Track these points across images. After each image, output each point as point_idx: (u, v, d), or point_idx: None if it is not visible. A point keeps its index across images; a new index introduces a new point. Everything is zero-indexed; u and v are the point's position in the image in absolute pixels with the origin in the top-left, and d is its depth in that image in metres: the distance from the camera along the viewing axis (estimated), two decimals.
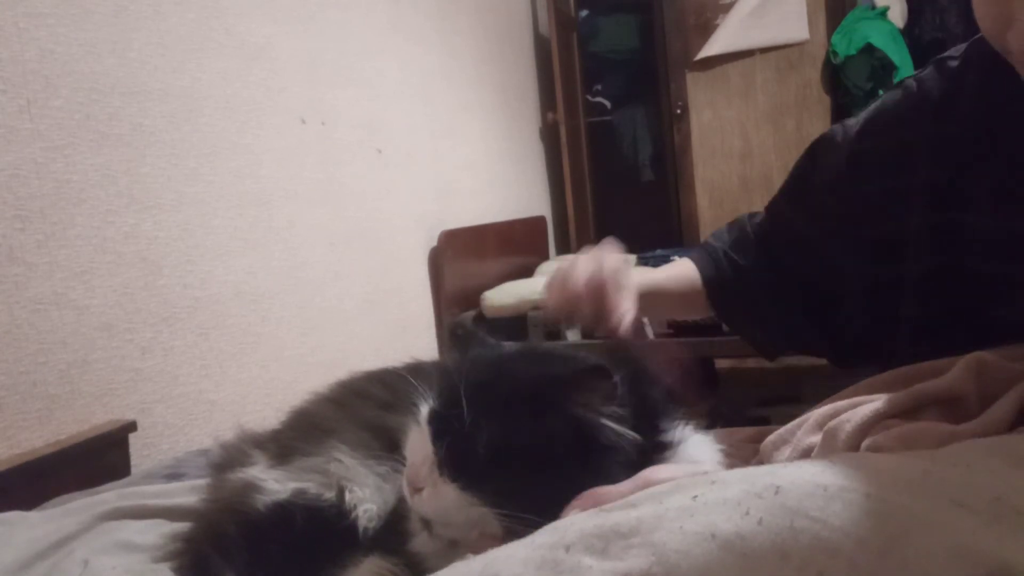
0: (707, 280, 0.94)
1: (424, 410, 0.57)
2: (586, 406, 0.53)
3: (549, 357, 0.62)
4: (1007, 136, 0.68)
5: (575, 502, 0.50)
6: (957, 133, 0.71)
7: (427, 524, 0.56)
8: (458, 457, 0.53)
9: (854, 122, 0.84)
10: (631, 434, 0.53)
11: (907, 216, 0.74)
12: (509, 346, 0.67)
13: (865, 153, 0.80)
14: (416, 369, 0.75)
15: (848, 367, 0.81)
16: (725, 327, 1.03)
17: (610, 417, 0.53)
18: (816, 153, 0.88)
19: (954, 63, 0.75)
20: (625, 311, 0.75)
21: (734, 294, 0.94)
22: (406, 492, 0.57)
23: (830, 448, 0.60)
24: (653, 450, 0.56)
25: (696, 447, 0.59)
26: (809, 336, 0.90)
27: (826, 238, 0.84)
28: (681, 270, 0.96)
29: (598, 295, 0.76)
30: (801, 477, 0.38)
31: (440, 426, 0.55)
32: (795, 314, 0.89)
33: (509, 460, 0.52)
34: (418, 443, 0.56)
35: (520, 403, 0.53)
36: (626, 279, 0.79)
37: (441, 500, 0.54)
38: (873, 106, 0.83)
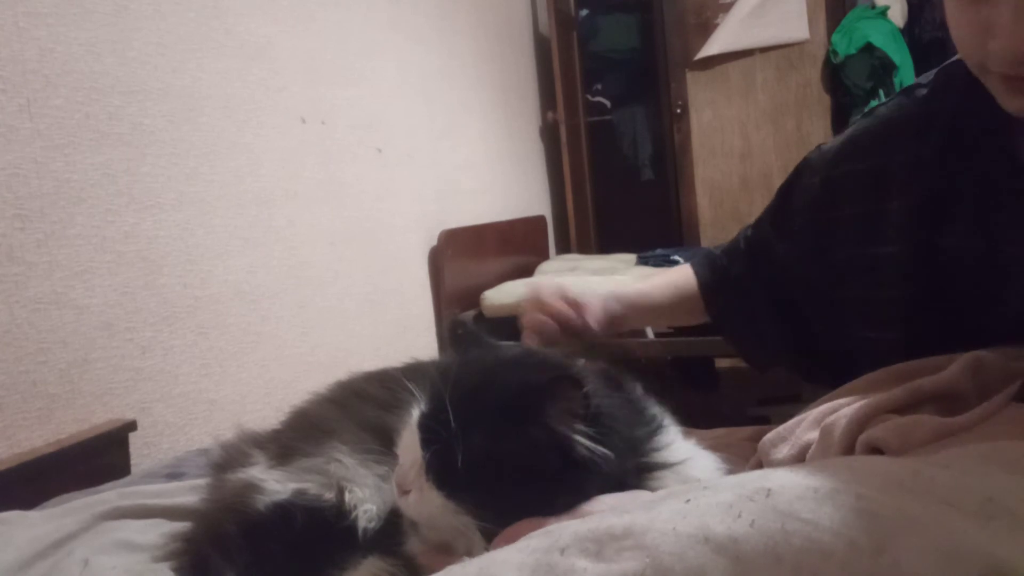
0: (702, 283, 0.96)
1: (415, 414, 0.57)
2: (558, 419, 0.52)
3: (532, 364, 0.61)
4: (979, 160, 0.69)
5: (503, 533, 0.50)
6: (930, 158, 0.72)
7: (414, 525, 0.57)
8: (444, 465, 0.53)
9: (830, 147, 0.85)
10: (602, 450, 0.52)
11: (883, 241, 0.75)
12: (506, 347, 0.66)
13: (839, 179, 0.81)
14: (415, 369, 0.75)
15: (824, 383, 0.82)
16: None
17: (581, 432, 0.52)
18: (798, 175, 0.90)
19: (923, 91, 0.76)
20: (588, 310, 0.85)
21: (724, 299, 0.95)
22: (395, 493, 0.58)
23: (827, 443, 0.60)
24: (646, 470, 0.55)
25: (699, 466, 0.59)
26: (788, 350, 0.91)
27: (802, 260, 0.85)
28: (672, 277, 0.99)
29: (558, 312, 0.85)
30: (792, 480, 0.39)
31: (428, 433, 0.55)
32: (776, 328, 0.91)
33: (491, 472, 0.52)
34: (409, 446, 0.57)
35: (500, 415, 0.53)
36: (574, 289, 0.88)
37: (426, 505, 0.54)
38: (847, 132, 0.84)
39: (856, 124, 0.83)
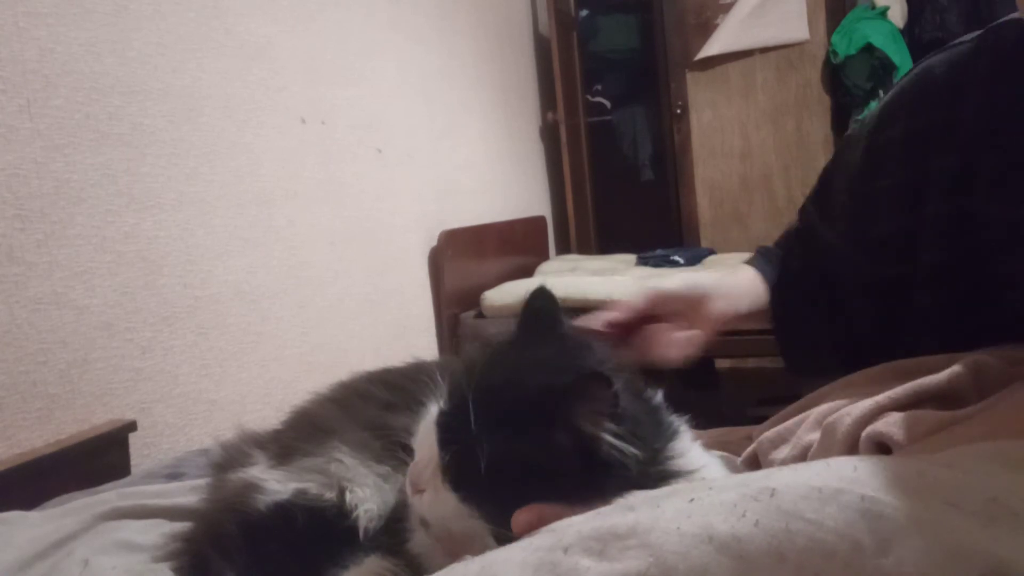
0: (769, 280, 0.91)
1: (434, 410, 0.56)
2: (587, 419, 0.51)
3: (560, 363, 0.58)
4: (1017, 124, 0.66)
5: (524, 509, 0.49)
6: (968, 119, 0.70)
7: (425, 523, 0.56)
8: (461, 468, 0.52)
9: (870, 115, 0.83)
10: (631, 449, 0.51)
11: (922, 207, 0.72)
12: (569, 331, 0.63)
13: (881, 147, 0.79)
14: (419, 368, 0.75)
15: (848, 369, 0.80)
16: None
17: (610, 432, 0.51)
18: (839, 154, 0.88)
19: (968, 47, 0.73)
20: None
21: (783, 295, 0.90)
22: (408, 489, 0.56)
23: (830, 441, 0.60)
24: (663, 477, 0.54)
25: (712, 474, 0.58)
26: (829, 344, 0.87)
27: (842, 240, 0.83)
28: (746, 274, 0.91)
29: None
30: (796, 480, 0.39)
31: (447, 433, 0.54)
32: (823, 320, 0.87)
33: (510, 478, 0.51)
34: (425, 443, 0.56)
35: (525, 418, 0.51)
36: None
37: (440, 506, 0.53)
38: (887, 96, 0.81)
39: (897, 85, 0.81)
